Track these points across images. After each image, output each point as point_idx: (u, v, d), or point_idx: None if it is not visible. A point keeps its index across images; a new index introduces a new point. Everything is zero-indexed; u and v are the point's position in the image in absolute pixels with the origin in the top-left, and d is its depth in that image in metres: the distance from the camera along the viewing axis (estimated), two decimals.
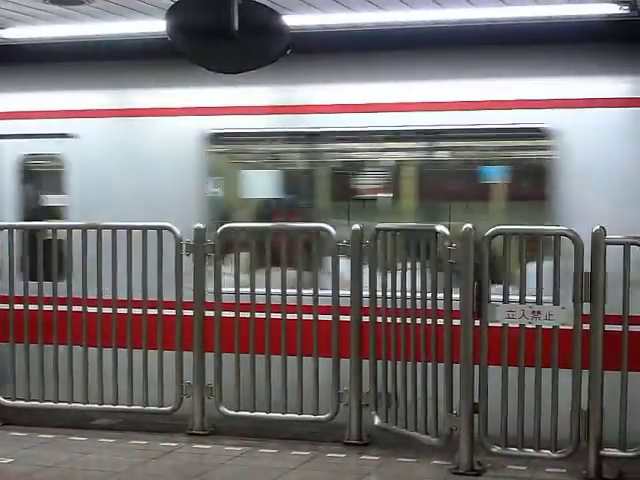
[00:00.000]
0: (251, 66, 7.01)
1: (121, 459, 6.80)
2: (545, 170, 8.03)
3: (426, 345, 6.57)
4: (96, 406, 7.64)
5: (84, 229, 7.65)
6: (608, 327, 6.17)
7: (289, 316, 7.12)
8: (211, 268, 7.42)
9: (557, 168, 7.90)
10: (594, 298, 6.14)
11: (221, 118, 8.77)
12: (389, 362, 6.88)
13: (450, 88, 8.33)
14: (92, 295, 7.53)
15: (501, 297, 6.34)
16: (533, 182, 8.76)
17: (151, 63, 8.81)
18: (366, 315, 6.99)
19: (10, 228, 7.81)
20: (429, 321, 6.54)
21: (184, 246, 7.39)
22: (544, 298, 6.27)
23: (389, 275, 6.84)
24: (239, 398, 7.32)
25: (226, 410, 7.36)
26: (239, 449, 6.98)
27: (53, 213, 9.42)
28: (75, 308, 7.55)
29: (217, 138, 8.81)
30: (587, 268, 6.17)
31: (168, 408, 7.45)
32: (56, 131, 9.08)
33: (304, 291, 7.15)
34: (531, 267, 6.34)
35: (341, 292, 7.08)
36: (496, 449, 6.38)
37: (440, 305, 6.47)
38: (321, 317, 7.07)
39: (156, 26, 7.60)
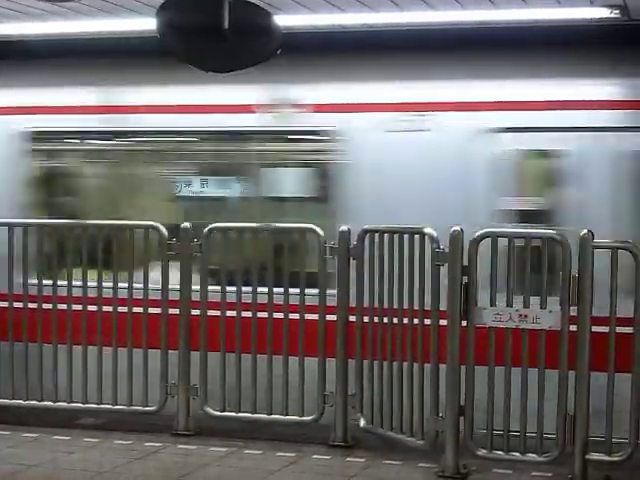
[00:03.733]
0: (241, 65, 6.98)
1: (105, 459, 6.77)
2: None
3: (412, 347, 6.57)
4: (80, 405, 7.59)
5: (70, 228, 7.64)
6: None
7: (276, 315, 7.11)
8: None
9: None
10: (581, 301, 6.14)
11: None
12: (375, 363, 6.86)
13: None
14: (77, 294, 7.50)
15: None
16: None
17: None
18: (353, 315, 6.97)
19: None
20: (416, 321, 6.53)
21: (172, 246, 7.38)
22: None
23: (376, 276, 6.83)
24: (224, 398, 7.29)
25: (211, 410, 7.34)
26: (224, 450, 6.95)
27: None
28: (60, 306, 7.52)
29: None
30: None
31: (153, 408, 7.42)
32: None
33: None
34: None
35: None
36: (482, 452, 6.37)
37: (427, 307, 6.45)
38: (308, 316, 7.06)
39: (146, 24, 7.58)
